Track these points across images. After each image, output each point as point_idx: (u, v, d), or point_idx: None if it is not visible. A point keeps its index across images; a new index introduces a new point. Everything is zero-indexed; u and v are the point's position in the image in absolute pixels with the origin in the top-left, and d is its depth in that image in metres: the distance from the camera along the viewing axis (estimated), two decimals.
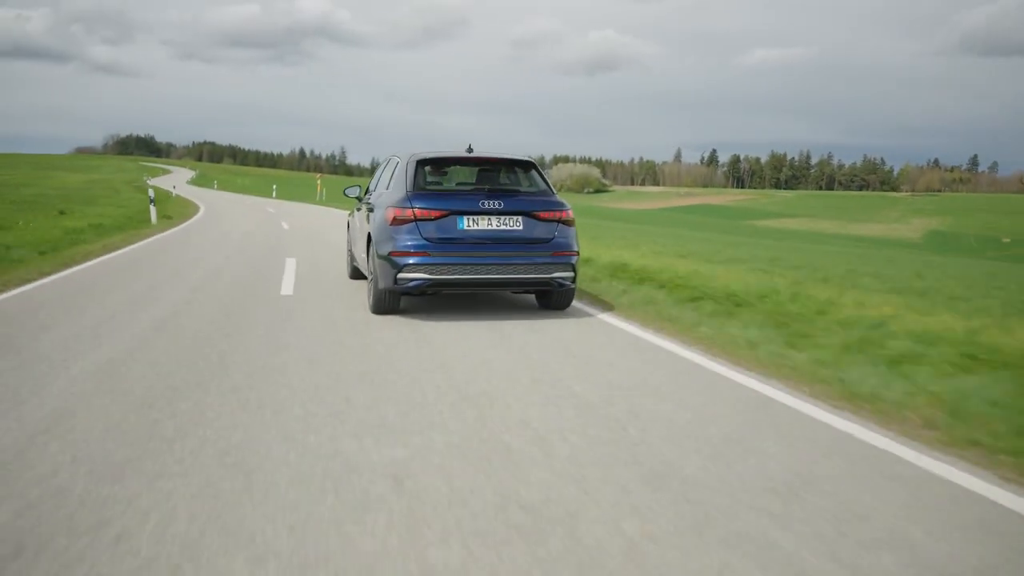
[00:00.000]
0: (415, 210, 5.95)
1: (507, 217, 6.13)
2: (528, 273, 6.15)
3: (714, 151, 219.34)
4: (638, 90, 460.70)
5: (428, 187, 6.33)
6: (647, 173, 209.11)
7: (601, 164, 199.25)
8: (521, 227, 6.18)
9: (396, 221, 5.97)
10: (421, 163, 6.40)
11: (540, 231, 6.25)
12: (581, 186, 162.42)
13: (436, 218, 5.96)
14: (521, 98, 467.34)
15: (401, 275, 5.88)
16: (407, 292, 6.02)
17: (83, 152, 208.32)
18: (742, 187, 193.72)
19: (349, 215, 8.89)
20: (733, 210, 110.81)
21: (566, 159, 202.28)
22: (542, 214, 6.28)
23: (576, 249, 6.44)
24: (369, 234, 6.57)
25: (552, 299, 6.75)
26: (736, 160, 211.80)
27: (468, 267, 5.94)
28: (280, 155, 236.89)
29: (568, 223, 6.43)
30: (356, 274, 8.51)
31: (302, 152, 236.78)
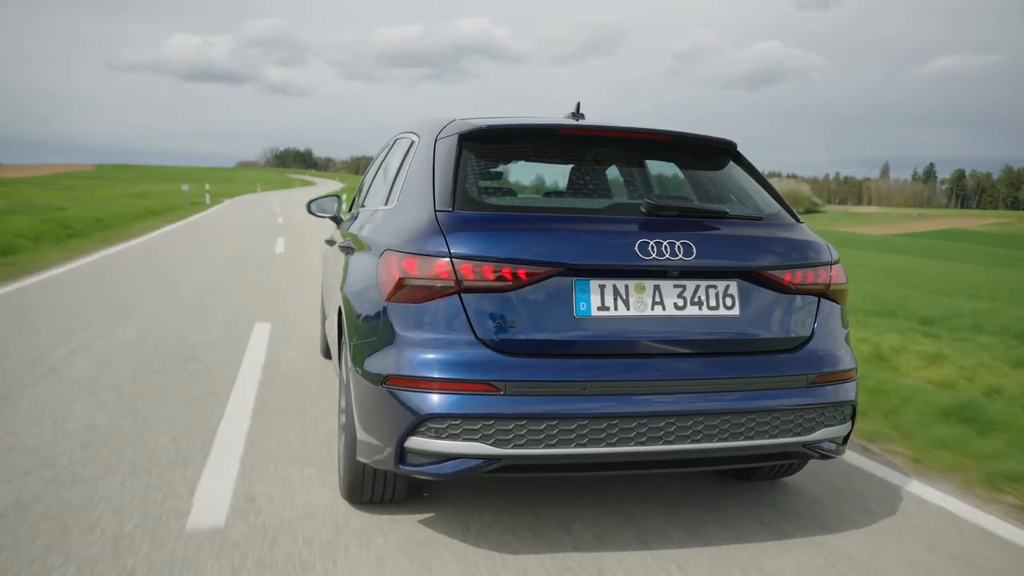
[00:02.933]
0: (458, 262, 2.43)
1: (705, 284, 2.58)
2: (758, 436, 2.55)
3: (931, 166, 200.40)
4: (800, 103, 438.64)
5: (490, 202, 2.76)
6: (850, 191, 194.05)
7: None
8: (737, 310, 2.60)
9: (407, 290, 2.45)
10: (469, 141, 2.83)
11: (783, 320, 2.69)
12: None
13: (519, 284, 2.42)
14: (676, 113, 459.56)
15: (416, 442, 2.39)
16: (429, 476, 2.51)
17: (243, 165, 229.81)
18: (966, 207, 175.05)
19: (327, 242, 5.10)
20: (1000, 237, 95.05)
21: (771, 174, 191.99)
22: (787, 275, 2.69)
23: (855, 364, 2.83)
24: (340, 307, 3.15)
25: (771, 468, 3.23)
26: (960, 176, 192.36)
27: (607, 425, 2.40)
28: None
29: (837, 296, 2.84)
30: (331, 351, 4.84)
31: None
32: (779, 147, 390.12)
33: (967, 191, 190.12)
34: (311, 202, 4.71)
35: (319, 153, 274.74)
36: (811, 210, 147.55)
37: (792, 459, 2.79)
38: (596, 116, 3.26)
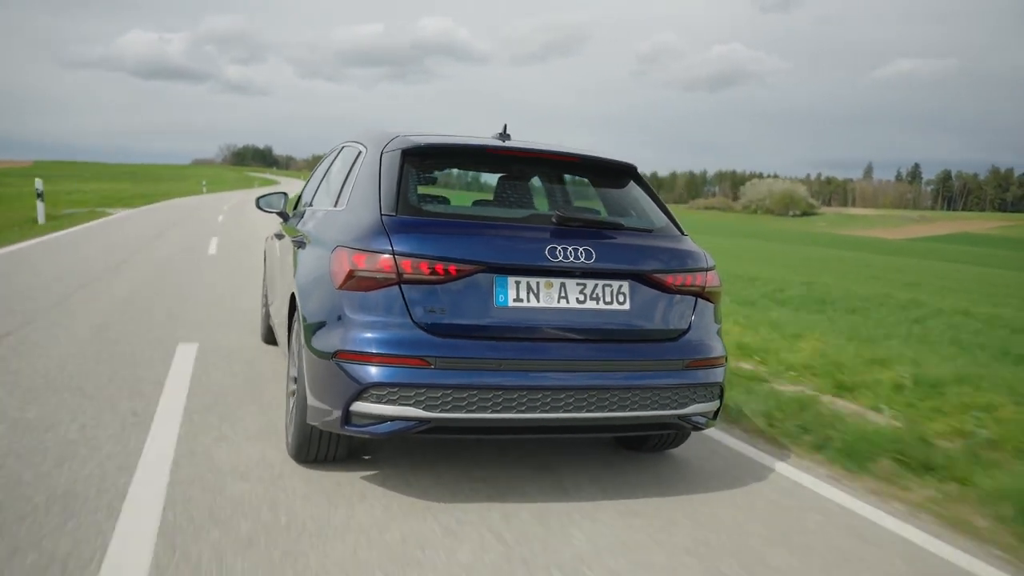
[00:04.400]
0: (399, 258, 3.11)
1: (602, 283, 3.31)
2: (641, 408, 3.28)
3: (917, 166, 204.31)
4: (762, 105, 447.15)
5: (427, 208, 3.50)
6: (834, 192, 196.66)
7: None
8: (628, 305, 3.33)
9: (356, 280, 3.13)
10: (411, 156, 3.55)
11: (665, 315, 3.44)
12: (785, 207, 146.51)
13: (448, 278, 3.12)
14: (638, 114, 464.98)
15: (360, 406, 3.06)
16: (370, 436, 3.19)
17: (199, 163, 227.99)
18: (952, 208, 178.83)
19: (268, 238, 6.03)
20: (1017, 241, 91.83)
21: (740, 176, 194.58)
22: (669, 278, 3.43)
23: (724, 352, 3.63)
24: (293, 294, 3.82)
25: (657, 439, 3.99)
26: (946, 177, 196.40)
27: (517, 395, 3.10)
28: None
29: (712, 296, 3.62)
30: (272, 335, 5.74)
31: None
32: (745, 148, 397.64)
33: (953, 192, 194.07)
34: (259, 198, 5.43)
35: (279, 151, 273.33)
36: (808, 212, 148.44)
37: (669, 429, 3.53)
38: (575, 136, 4.03)
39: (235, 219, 25.07)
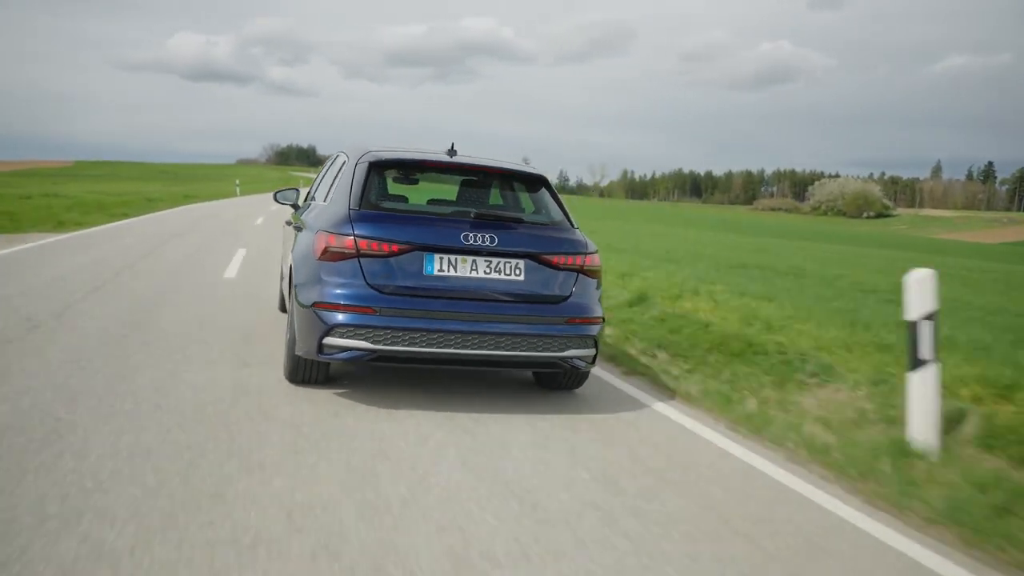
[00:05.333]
0: (359, 239, 4.68)
1: (503, 260, 4.81)
2: (529, 349, 4.80)
3: (990, 165, 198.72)
4: (811, 104, 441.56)
5: (383, 205, 5.10)
6: (901, 191, 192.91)
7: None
8: (523, 277, 4.84)
9: (329, 254, 4.71)
10: (376, 166, 5.14)
11: (551, 285, 4.93)
12: (859, 209, 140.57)
13: (392, 254, 4.68)
14: (683, 113, 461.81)
15: (329, 340, 4.63)
16: (336, 361, 4.78)
17: (243, 163, 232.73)
18: None
19: (286, 223, 7.22)
20: None
21: (800, 176, 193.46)
22: (556, 259, 4.92)
23: (600, 314, 5.08)
24: (291, 265, 5.43)
25: (560, 380, 5.52)
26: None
27: (437, 336, 4.64)
28: None
29: (592, 274, 5.06)
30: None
31: None
32: (797, 147, 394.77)
33: None
34: (276, 192, 7.14)
35: (323, 151, 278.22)
36: (882, 214, 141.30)
37: (557, 368, 5.02)
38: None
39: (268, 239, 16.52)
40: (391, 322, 4.59)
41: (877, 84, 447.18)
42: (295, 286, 5.01)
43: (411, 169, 5.49)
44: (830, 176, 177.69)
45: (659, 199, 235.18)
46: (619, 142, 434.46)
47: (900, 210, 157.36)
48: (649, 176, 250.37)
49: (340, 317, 4.58)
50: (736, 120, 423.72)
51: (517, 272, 4.82)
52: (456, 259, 4.74)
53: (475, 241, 4.73)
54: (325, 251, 4.72)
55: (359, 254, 4.65)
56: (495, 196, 5.76)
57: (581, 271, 5.00)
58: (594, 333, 4.97)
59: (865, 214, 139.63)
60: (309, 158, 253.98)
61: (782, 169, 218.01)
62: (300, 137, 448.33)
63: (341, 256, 4.67)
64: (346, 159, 5.56)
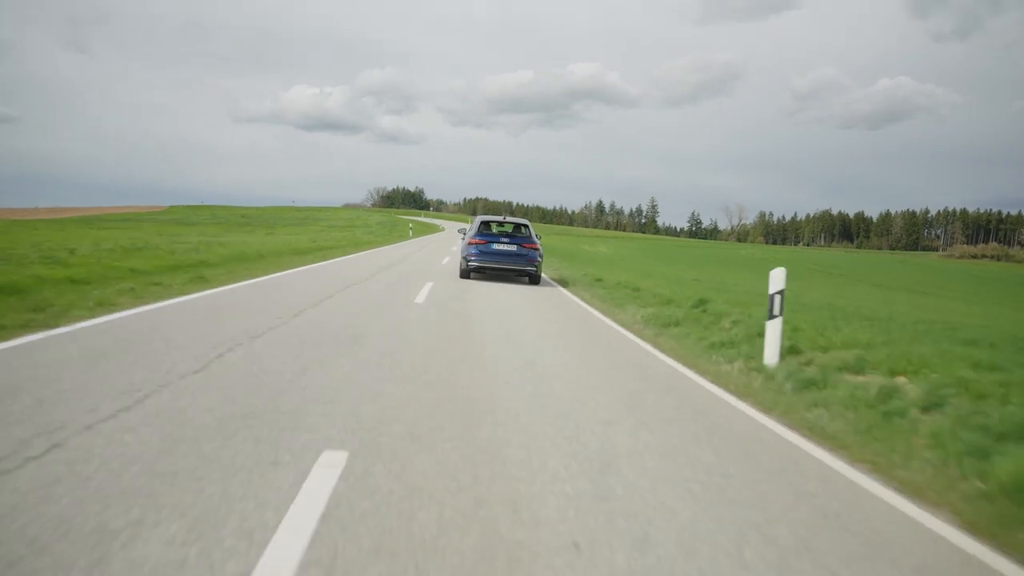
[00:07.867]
0: (477, 240, 20.08)
1: (511, 244, 20.08)
2: (518, 266, 20.13)
3: None
4: (935, 142, 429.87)
5: (483, 231, 20.71)
6: None
7: None
8: (515, 249, 20.10)
9: (471, 244, 20.24)
10: (483, 222, 21.01)
11: (523, 251, 20.25)
12: None
13: (484, 244, 19.94)
14: (793, 153, 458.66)
15: (470, 262, 20.18)
16: (472, 269, 20.24)
17: (349, 206, 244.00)
18: None
19: (459, 231, 25.65)
20: None
21: (973, 216, 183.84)
22: (525, 244, 20.27)
23: (538, 260, 20.53)
24: (462, 248, 21.42)
25: (531, 279, 20.82)
26: None
27: (494, 260, 20.05)
28: (570, 211, 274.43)
29: (536, 249, 20.42)
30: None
31: (599, 207, 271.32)
32: (923, 186, 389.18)
33: None
34: (459, 228, 27.61)
35: (431, 195, 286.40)
36: None
37: (526, 275, 21.18)
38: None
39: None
40: (482, 260, 20.14)
41: (1006, 119, 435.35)
42: (464, 250, 20.93)
43: (491, 222, 21.45)
44: (1010, 215, 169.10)
45: (803, 243, 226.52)
46: (718, 182, 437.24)
47: None
48: (788, 218, 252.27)
49: (472, 257, 20.24)
50: (856, 161, 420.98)
51: (514, 248, 20.30)
52: (500, 244, 20.19)
53: (504, 240, 20.17)
54: (470, 242, 20.46)
55: (477, 244, 20.21)
56: (511, 228, 21.55)
57: (533, 248, 20.43)
58: (537, 263, 20.47)
59: None
60: (416, 201, 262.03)
61: (950, 208, 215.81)
62: (407, 181, 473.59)
63: (473, 243, 20.35)
64: (476, 219, 21.57)
